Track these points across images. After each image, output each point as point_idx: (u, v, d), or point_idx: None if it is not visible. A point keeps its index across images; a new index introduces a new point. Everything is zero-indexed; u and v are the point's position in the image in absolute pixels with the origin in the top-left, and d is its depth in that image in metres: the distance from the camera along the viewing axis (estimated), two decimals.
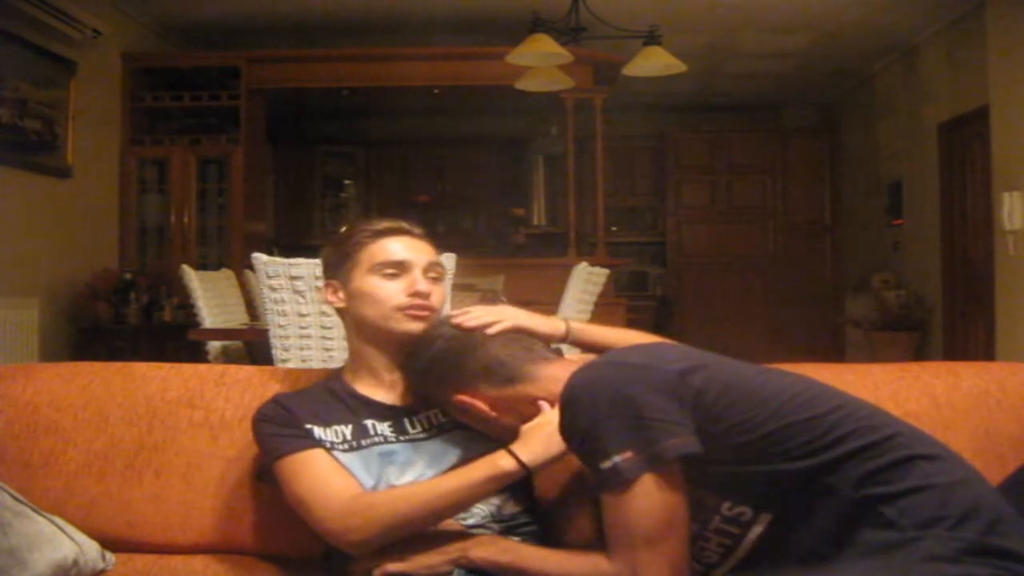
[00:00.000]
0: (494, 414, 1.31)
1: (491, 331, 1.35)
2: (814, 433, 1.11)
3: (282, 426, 1.36)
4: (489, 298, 3.88)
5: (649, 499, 1.08)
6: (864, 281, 6.98)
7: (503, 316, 1.39)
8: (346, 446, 1.35)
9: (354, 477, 1.31)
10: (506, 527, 1.34)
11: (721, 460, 1.12)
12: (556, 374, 1.28)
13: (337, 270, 1.46)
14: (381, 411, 1.40)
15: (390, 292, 1.41)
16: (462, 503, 1.25)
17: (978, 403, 1.51)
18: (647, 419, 1.09)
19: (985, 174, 5.23)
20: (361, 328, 1.44)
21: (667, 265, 8.04)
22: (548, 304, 3.89)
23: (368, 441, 1.36)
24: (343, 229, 1.50)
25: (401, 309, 1.40)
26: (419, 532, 1.26)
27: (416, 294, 1.40)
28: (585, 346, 1.47)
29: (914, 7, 5.63)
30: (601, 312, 4.05)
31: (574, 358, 1.42)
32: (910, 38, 6.28)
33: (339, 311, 1.48)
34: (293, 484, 1.31)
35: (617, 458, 1.08)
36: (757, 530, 1.14)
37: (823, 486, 1.10)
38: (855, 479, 1.09)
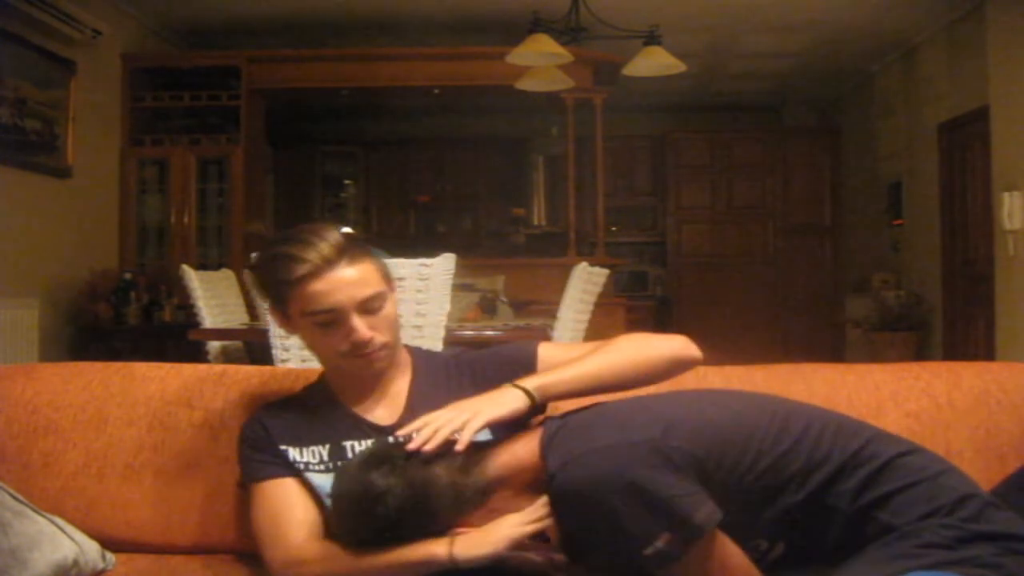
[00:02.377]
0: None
1: (430, 447, 1.19)
2: (797, 464, 1.15)
3: (255, 450, 1.36)
4: (489, 298, 3.89)
5: (704, 564, 1.11)
6: (864, 281, 6.98)
7: (458, 419, 1.22)
8: (321, 467, 1.34)
9: (314, 510, 1.31)
10: None
11: (729, 508, 1.12)
12: (516, 452, 1.23)
13: (273, 303, 1.37)
14: (365, 430, 1.37)
15: (329, 343, 1.33)
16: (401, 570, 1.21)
17: (978, 403, 1.51)
18: (665, 498, 1.08)
19: (985, 174, 5.23)
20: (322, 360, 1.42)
21: (667, 265, 8.04)
22: (548, 304, 3.89)
23: (344, 463, 1.33)
24: (267, 256, 1.36)
25: (347, 358, 1.33)
26: None
27: (355, 345, 1.31)
28: (556, 398, 1.33)
29: (914, 7, 5.62)
30: (601, 312, 4.05)
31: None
32: (910, 38, 6.28)
33: None
34: (252, 512, 1.34)
35: (658, 543, 1.08)
36: (773, 555, 1.19)
37: (824, 508, 1.14)
38: (849, 494, 1.14)
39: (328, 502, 1.29)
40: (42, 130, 4.71)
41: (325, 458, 1.34)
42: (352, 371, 1.37)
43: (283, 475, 1.33)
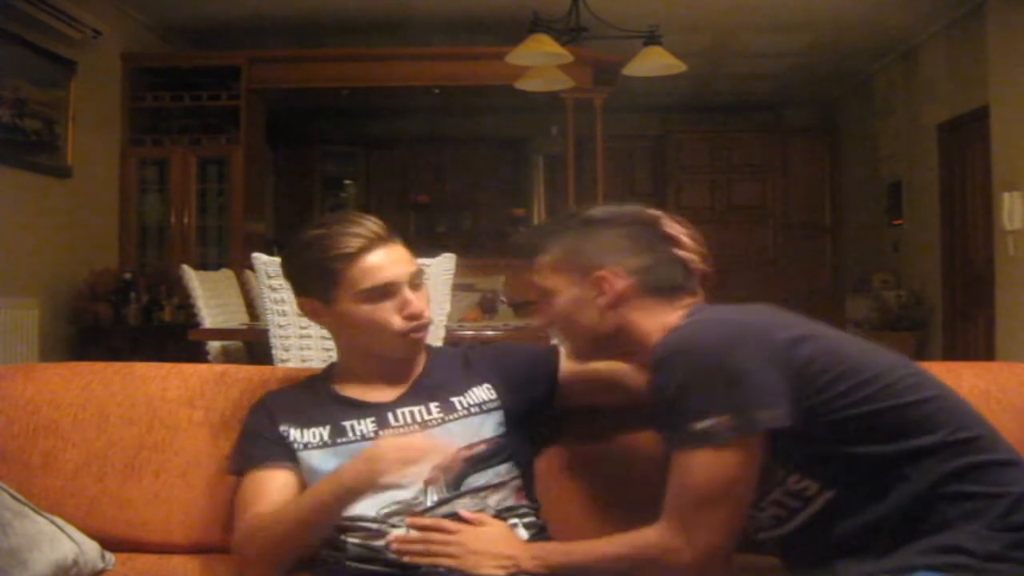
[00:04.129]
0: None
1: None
2: (908, 419, 1.10)
3: (253, 438, 1.38)
4: (489, 298, 3.89)
5: (725, 464, 1.08)
6: (864, 281, 6.98)
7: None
8: (320, 445, 1.35)
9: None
10: (502, 515, 1.33)
11: (806, 434, 1.09)
12: (660, 321, 1.21)
13: (313, 289, 1.37)
14: (364, 410, 1.37)
15: (385, 318, 1.33)
16: (321, 514, 1.24)
17: (978, 403, 1.50)
18: (746, 385, 1.07)
19: (985, 174, 5.23)
20: (353, 346, 1.42)
21: None
22: None
23: (344, 440, 1.34)
24: (308, 239, 1.37)
25: (401, 335, 1.35)
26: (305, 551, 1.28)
27: (411, 316, 1.34)
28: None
29: (914, 7, 5.62)
30: None
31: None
32: (910, 38, 6.28)
33: (320, 324, 1.46)
34: (237, 496, 1.37)
35: (710, 421, 1.06)
36: (815, 507, 1.12)
37: (898, 474, 1.08)
38: (932, 473, 1.08)
39: (325, 475, 1.28)
40: (42, 130, 4.71)
41: (325, 438, 1.35)
42: (394, 352, 1.38)
43: (265, 467, 1.34)
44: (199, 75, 5.85)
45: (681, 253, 1.25)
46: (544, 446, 1.50)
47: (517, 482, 1.37)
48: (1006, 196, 4.86)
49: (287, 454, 1.35)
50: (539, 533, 1.34)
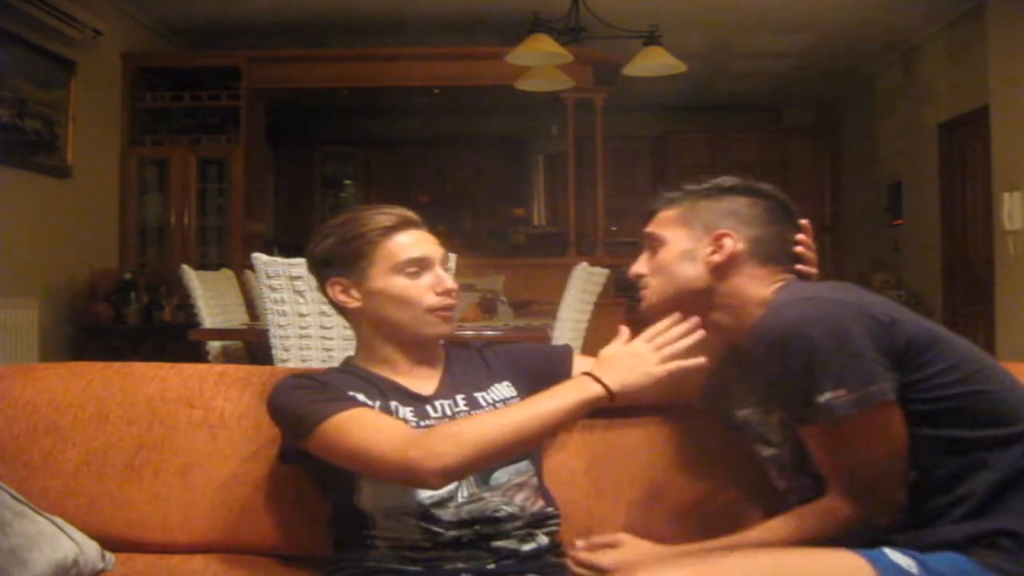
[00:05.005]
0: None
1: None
2: (994, 407, 1.14)
3: (318, 391, 1.30)
4: (489, 298, 3.88)
5: (853, 430, 1.12)
6: (864, 281, 6.98)
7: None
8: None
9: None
10: (534, 523, 1.33)
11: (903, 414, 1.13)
12: (756, 291, 1.27)
13: (345, 268, 1.38)
14: (403, 395, 1.36)
15: (419, 293, 1.36)
16: (550, 426, 1.22)
17: None
18: (863, 359, 1.10)
19: (985, 174, 5.23)
20: (381, 326, 1.39)
21: None
22: (548, 304, 3.89)
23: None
24: (340, 221, 1.41)
25: (432, 311, 1.37)
26: (504, 459, 1.27)
27: (445, 292, 1.37)
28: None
29: (914, 7, 5.62)
30: (601, 312, 4.05)
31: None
32: (910, 38, 6.28)
33: (348, 309, 1.41)
34: (346, 438, 1.22)
35: (830, 394, 1.10)
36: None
37: (979, 460, 1.12)
38: (1011, 463, 1.11)
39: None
40: (42, 130, 4.71)
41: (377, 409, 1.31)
42: (424, 328, 1.37)
43: (360, 405, 1.28)
44: (199, 75, 5.85)
45: (800, 237, 1.32)
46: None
47: (535, 480, 1.37)
48: (1006, 196, 4.86)
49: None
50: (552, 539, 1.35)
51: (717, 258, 1.27)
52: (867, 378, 1.10)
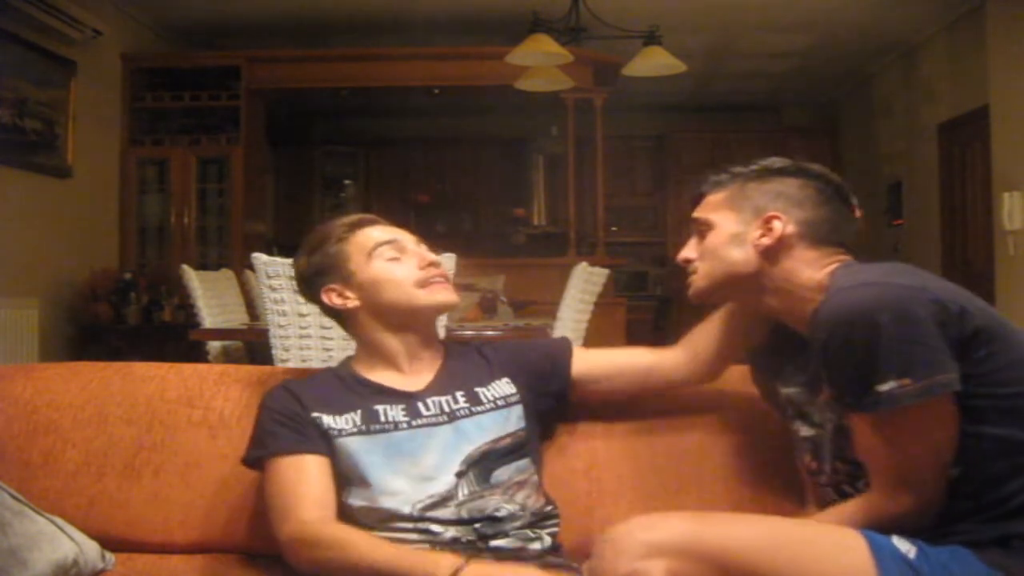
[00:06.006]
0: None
1: None
2: None
3: (280, 423, 1.34)
4: (489, 298, 3.88)
5: (915, 421, 1.09)
6: None
7: None
8: (355, 430, 1.33)
9: (330, 491, 1.29)
10: (534, 522, 1.34)
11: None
12: (811, 273, 1.24)
13: (330, 274, 1.42)
14: (393, 396, 1.37)
15: (404, 271, 1.41)
16: None
17: None
18: (930, 348, 1.07)
19: (985, 174, 5.23)
20: (382, 317, 1.41)
21: (667, 265, 8.03)
22: (548, 304, 3.89)
23: (378, 427, 1.33)
24: (306, 240, 1.48)
25: (422, 284, 1.40)
26: None
27: (429, 264, 1.42)
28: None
29: (914, 7, 5.62)
30: (601, 312, 4.05)
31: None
32: (910, 38, 6.28)
33: (345, 313, 1.43)
34: (266, 487, 1.32)
35: (894, 383, 1.06)
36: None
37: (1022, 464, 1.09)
38: None
39: (363, 463, 1.30)
40: (42, 130, 4.71)
41: (358, 423, 1.34)
42: (425, 305, 1.41)
43: (303, 451, 1.31)
44: (199, 75, 5.84)
45: (857, 213, 1.30)
46: (546, 440, 1.51)
47: (535, 478, 1.38)
48: (1006, 196, 4.86)
49: (321, 441, 1.32)
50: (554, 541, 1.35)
51: (767, 241, 1.25)
52: (934, 367, 1.07)
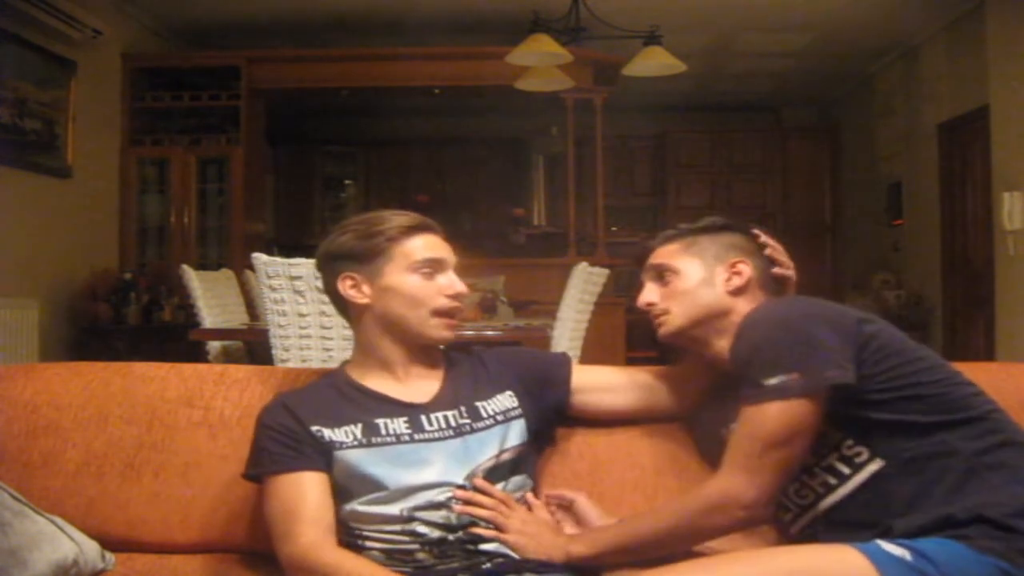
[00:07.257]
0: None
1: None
2: (955, 394, 1.23)
3: (282, 441, 1.32)
4: (489, 298, 3.88)
5: (792, 415, 1.18)
6: (864, 281, 6.98)
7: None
8: (356, 443, 1.32)
9: (329, 509, 1.29)
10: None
11: (860, 400, 1.20)
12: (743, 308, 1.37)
13: (359, 263, 1.39)
14: (395, 408, 1.36)
15: (429, 293, 1.38)
16: None
17: None
18: (817, 348, 1.19)
19: (985, 174, 5.23)
20: (386, 324, 1.39)
21: None
22: (548, 304, 3.89)
23: (379, 440, 1.32)
24: (360, 219, 1.44)
25: (439, 314, 1.39)
26: None
27: (456, 296, 1.40)
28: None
29: (914, 7, 5.63)
30: (601, 312, 4.05)
31: None
32: (910, 38, 6.28)
33: (351, 306, 1.41)
34: (269, 503, 1.31)
35: (783, 377, 1.18)
36: (863, 476, 1.22)
37: (945, 444, 1.19)
38: (972, 444, 1.18)
39: (362, 474, 1.29)
40: (42, 130, 4.71)
41: (359, 436, 1.32)
42: (428, 331, 1.39)
43: (300, 468, 1.30)
44: (199, 75, 5.84)
45: (764, 239, 1.46)
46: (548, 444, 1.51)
47: (531, 493, 1.39)
48: (1006, 196, 4.87)
49: (321, 455, 1.31)
50: None
51: (737, 282, 1.38)
52: (820, 364, 1.18)
